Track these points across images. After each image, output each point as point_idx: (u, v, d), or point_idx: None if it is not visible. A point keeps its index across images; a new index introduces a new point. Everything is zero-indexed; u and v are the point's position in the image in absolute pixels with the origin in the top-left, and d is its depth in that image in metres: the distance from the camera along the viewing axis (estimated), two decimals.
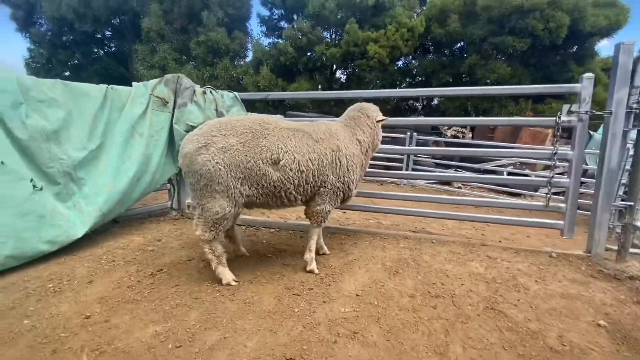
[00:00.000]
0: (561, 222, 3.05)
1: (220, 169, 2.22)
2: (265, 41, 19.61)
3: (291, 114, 11.98)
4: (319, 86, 18.63)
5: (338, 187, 2.57)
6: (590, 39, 14.43)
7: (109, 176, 3.15)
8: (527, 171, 8.29)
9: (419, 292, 2.28)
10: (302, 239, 3.37)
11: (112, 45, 23.02)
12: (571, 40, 14.11)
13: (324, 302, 2.14)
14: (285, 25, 18.91)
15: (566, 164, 3.01)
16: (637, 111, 2.70)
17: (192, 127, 3.59)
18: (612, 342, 1.82)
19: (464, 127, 12.29)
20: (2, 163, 2.55)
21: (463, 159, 9.02)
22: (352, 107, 2.91)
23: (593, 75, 2.87)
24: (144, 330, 1.85)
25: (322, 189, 2.53)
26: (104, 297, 2.17)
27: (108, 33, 22.02)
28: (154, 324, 1.91)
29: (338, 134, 2.59)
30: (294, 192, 2.43)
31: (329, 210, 2.62)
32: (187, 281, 2.41)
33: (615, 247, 2.89)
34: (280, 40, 17.87)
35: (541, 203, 3.15)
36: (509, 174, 8.06)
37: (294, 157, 2.35)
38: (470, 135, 12.52)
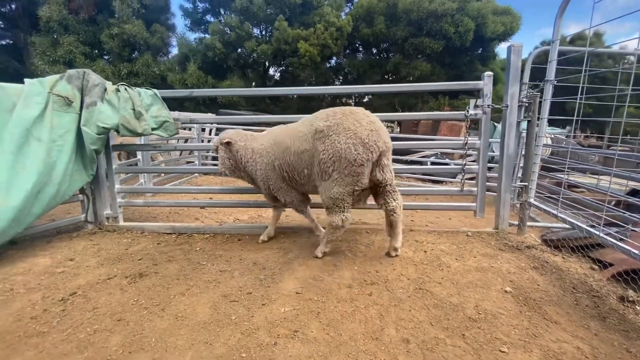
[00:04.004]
0: (474, 204, 3.43)
1: None
2: (191, 36, 18.46)
3: (224, 112, 11.49)
4: (253, 83, 18.19)
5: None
6: (491, 42, 16.50)
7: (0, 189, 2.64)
8: (447, 160, 9.18)
9: (355, 282, 2.36)
10: (239, 242, 3.25)
11: (3, 36, 19.43)
12: (477, 43, 15.96)
13: (263, 304, 2.09)
14: (212, 20, 18.01)
15: (476, 152, 3.37)
16: (527, 104, 3.15)
17: (106, 129, 3.21)
18: (516, 305, 2.10)
19: (393, 122, 13.11)
20: None
21: (393, 151, 9.62)
22: None
23: (492, 73, 3.26)
24: None
25: None
26: (0, 334, 1.82)
27: None
28: (66, 356, 1.66)
29: None
30: None
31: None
32: (107, 302, 2.15)
33: (517, 222, 3.35)
34: (207, 35, 16.98)
35: (457, 188, 3.50)
36: (432, 163, 8.84)
37: None
38: (398, 129, 13.42)
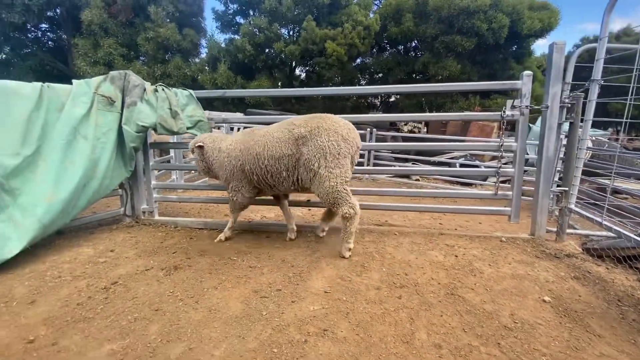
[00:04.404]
0: (508, 208, 3.30)
1: None
2: (221, 37, 18.95)
3: (251, 111, 11.72)
4: (279, 83, 18.42)
5: None
6: (527, 39, 15.75)
7: (49, 184, 2.85)
8: (477, 162, 8.88)
9: (384, 284, 2.34)
10: (267, 239, 3.31)
11: (48, 39, 20.84)
12: (511, 40, 15.30)
13: (293, 302, 2.12)
14: (242, 21, 18.40)
15: (511, 154, 3.24)
16: (569, 105, 2.98)
17: (144, 128, 3.37)
18: (555, 316, 2.00)
19: (420, 122, 12.84)
20: None
21: (419, 152, 9.42)
22: None
23: (532, 72, 3.12)
24: (98, 350, 1.70)
25: None
26: (50, 318, 1.97)
27: (43, 26, 19.88)
28: (110, 342, 1.77)
29: None
30: None
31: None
32: (145, 292, 2.26)
33: (555, 229, 3.19)
34: (237, 37, 17.37)
35: (490, 191, 3.38)
36: (461, 165, 8.57)
37: None
38: (425, 130, 13.13)
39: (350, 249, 2.78)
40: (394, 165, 8.76)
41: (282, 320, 1.93)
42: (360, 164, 8.92)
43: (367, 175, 8.89)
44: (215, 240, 3.21)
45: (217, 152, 3.10)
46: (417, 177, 9.14)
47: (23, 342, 1.76)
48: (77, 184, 2.96)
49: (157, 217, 3.87)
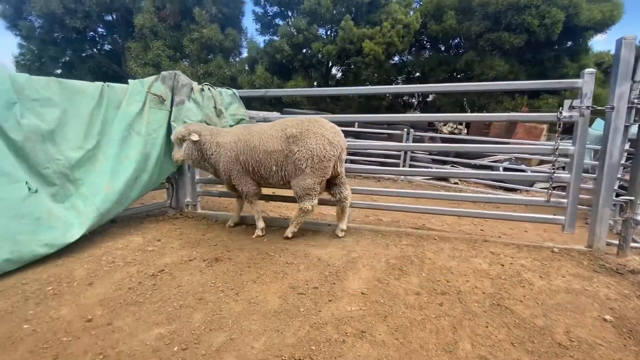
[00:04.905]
0: (562, 217, 3.06)
1: None
2: (260, 39, 19.45)
3: (288, 111, 11.92)
4: (315, 83, 18.55)
5: None
6: (585, 34, 14.51)
7: (107, 176, 3.09)
8: (523, 166, 8.34)
9: (424, 289, 2.27)
10: (303, 236, 3.35)
11: (105, 42, 22.65)
12: (565, 35, 14.18)
13: (330, 300, 2.12)
14: (280, 23, 18.75)
15: (566, 159, 3.00)
16: (639, 106, 2.70)
17: None
18: (619, 337, 1.82)
19: (460, 123, 12.33)
20: None
21: (458, 154, 9.05)
22: None
23: (594, 70, 2.86)
24: (147, 333, 1.81)
25: None
26: (105, 300, 2.13)
27: (100, 30, 21.65)
28: (158, 326, 1.87)
29: None
30: None
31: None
32: (189, 282, 2.37)
33: (615, 242, 2.91)
34: (275, 38, 17.74)
35: (541, 198, 3.15)
36: (505, 169, 8.10)
37: None
38: (466, 131, 12.57)
39: (293, 232, 3.22)
40: (431, 168, 8.47)
41: (319, 318, 1.94)
42: (395, 164, 8.74)
43: (402, 176, 8.69)
44: (253, 236, 3.29)
45: (215, 146, 3.23)
46: (456, 181, 8.78)
47: (82, 320, 1.92)
48: (130, 177, 3.18)
49: (199, 211, 4.05)
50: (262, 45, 18.49)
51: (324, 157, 2.97)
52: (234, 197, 3.76)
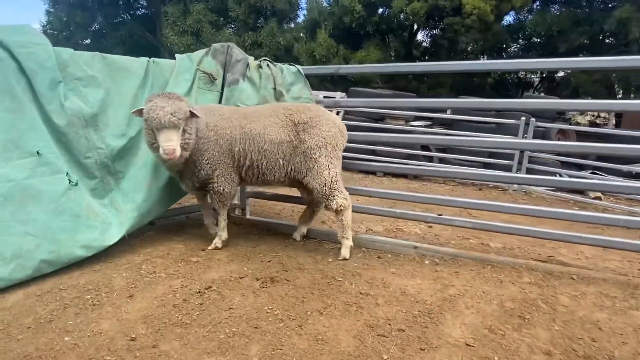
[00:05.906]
0: None
1: None
2: None
3: (355, 90, 12.01)
4: (392, 53, 18.44)
5: None
6: None
7: (148, 169, 3.43)
8: None
9: (558, 348, 2.15)
10: (379, 259, 3.38)
11: (138, 5, 25.18)
12: None
13: (422, 349, 2.12)
14: None
15: None
16: None
17: None
18: None
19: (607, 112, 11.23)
20: (38, 153, 2.88)
21: (602, 157, 8.27)
22: None
23: None
24: None
25: None
26: (148, 316, 2.39)
27: None
28: (209, 355, 2.05)
29: None
30: None
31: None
32: (241, 304, 2.55)
33: None
34: None
35: None
36: None
37: None
38: (614, 122, 11.47)
39: (351, 246, 3.39)
40: (561, 175, 7.87)
41: None
42: (506, 167, 8.23)
43: (515, 185, 8.19)
44: (210, 247, 3.47)
45: (205, 129, 3.20)
46: (598, 195, 8.03)
47: (125, 338, 2.18)
48: None
49: (248, 217, 4.31)
50: (325, 3, 18.92)
51: (337, 145, 3.33)
52: (199, 197, 3.83)
